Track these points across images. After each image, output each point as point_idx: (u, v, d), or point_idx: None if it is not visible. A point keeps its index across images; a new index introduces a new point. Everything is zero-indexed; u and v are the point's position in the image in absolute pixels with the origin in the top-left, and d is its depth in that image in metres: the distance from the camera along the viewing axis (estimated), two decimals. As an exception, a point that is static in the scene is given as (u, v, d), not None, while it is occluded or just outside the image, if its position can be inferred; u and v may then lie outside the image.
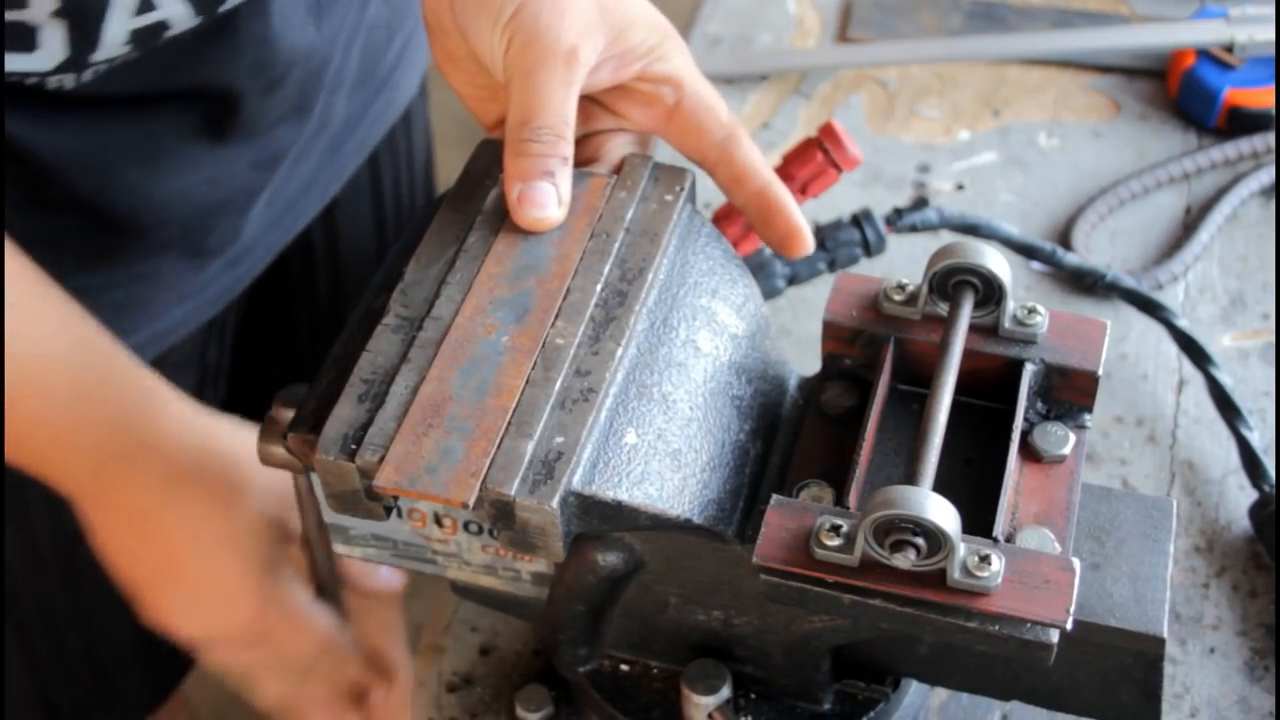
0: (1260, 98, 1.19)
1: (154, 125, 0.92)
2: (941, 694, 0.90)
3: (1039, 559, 0.68)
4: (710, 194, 1.19)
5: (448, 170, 1.31)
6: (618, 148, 0.83)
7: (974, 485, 0.74)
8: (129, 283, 0.97)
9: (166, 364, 1.06)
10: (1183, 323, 1.04)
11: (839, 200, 1.14)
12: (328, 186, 1.10)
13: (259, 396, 0.91)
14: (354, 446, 0.71)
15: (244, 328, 1.20)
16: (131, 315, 0.98)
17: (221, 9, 0.90)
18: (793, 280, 1.08)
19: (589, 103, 0.81)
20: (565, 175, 0.75)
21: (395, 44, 1.11)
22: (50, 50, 0.83)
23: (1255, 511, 0.97)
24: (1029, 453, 0.75)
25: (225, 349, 1.16)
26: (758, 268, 1.06)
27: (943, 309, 0.78)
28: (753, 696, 0.82)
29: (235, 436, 0.88)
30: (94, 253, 0.94)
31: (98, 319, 0.95)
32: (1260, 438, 1.00)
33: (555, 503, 0.69)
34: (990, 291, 0.76)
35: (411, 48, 1.14)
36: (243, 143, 0.96)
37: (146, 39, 0.87)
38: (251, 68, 0.93)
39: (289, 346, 1.23)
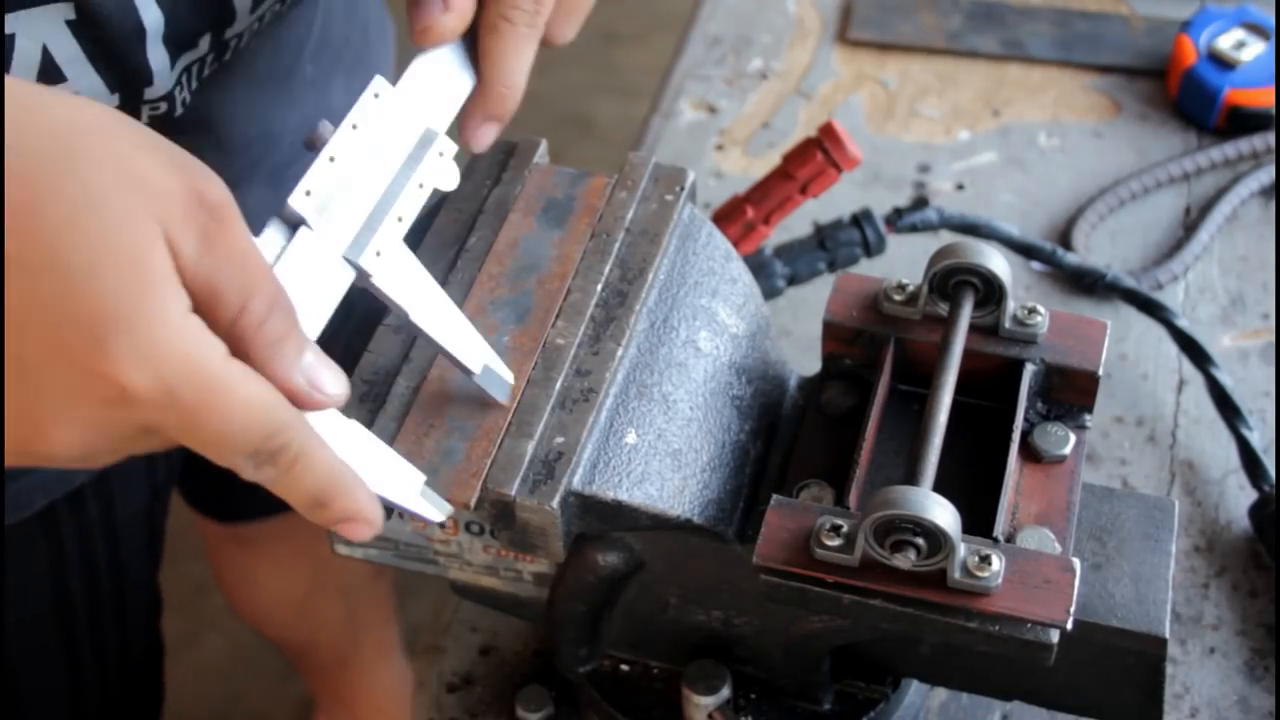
0: (1260, 98, 1.19)
1: None
2: (941, 694, 0.90)
3: (1039, 559, 0.68)
4: (710, 194, 1.19)
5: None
6: None
7: (974, 485, 0.74)
8: None
9: (109, 483, 1.05)
10: (1183, 323, 1.04)
11: (839, 200, 1.14)
12: None
13: (237, 488, 0.87)
14: (354, 447, 0.71)
15: None
16: None
17: (149, 96, 0.82)
18: (793, 280, 1.07)
19: None
20: None
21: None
22: None
23: (1255, 511, 0.97)
24: (1029, 453, 0.75)
25: (173, 460, 1.14)
26: (758, 268, 1.05)
27: (943, 309, 0.78)
28: (753, 696, 0.82)
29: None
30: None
31: None
32: (1260, 438, 1.00)
33: (555, 503, 0.69)
34: (990, 291, 0.76)
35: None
36: None
37: None
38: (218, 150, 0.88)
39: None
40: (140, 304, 0.54)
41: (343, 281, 0.65)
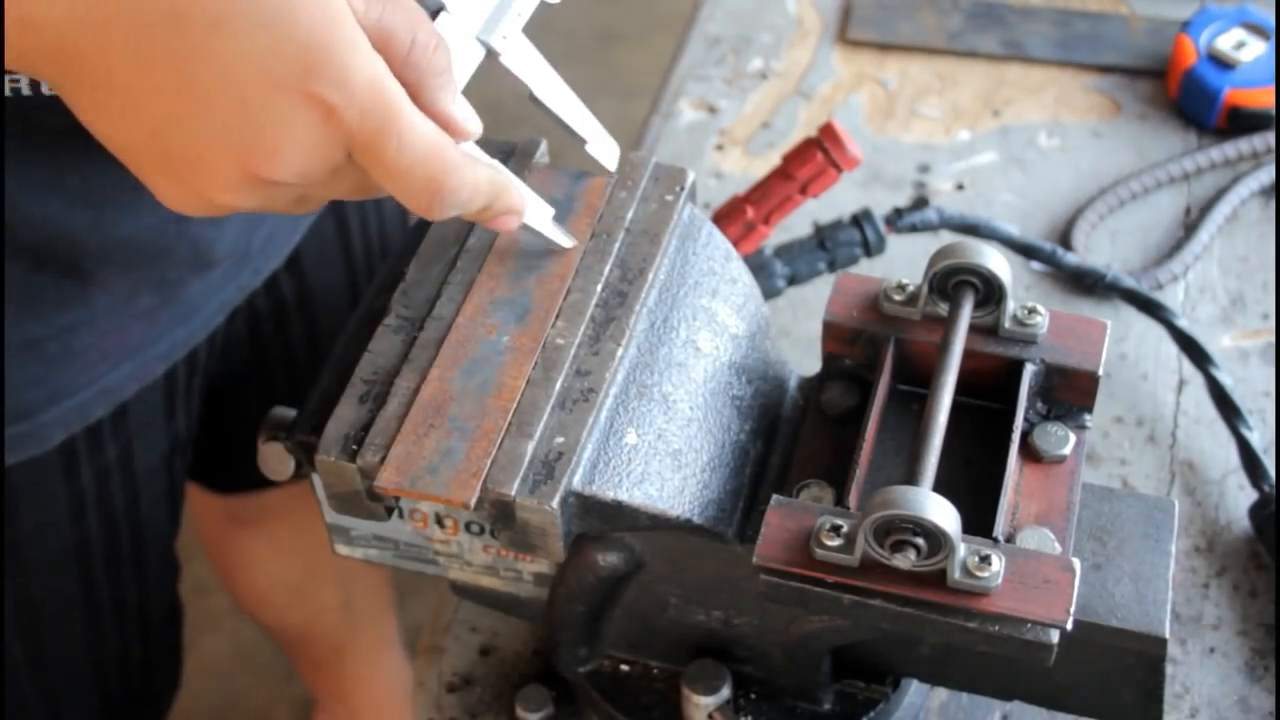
0: (1260, 98, 1.19)
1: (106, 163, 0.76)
2: (941, 694, 0.90)
3: (1039, 559, 0.68)
4: (710, 194, 1.19)
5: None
6: None
7: (974, 485, 0.74)
8: (66, 333, 0.93)
9: (128, 425, 1.04)
10: (1183, 323, 1.04)
11: (839, 200, 1.14)
12: (282, 243, 1.06)
13: (239, 457, 0.86)
14: (355, 447, 0.71)
15: (220, 387, 1.18)
16: (71, 367, 0.95)
17: None
18: (793, 280, 1.07)
19: None
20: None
21: None
22: None
23: (1255, 511, 0.97)
24: (1029, 453, 0.75)
25: (193, 413, 1.14)
26: (758, 268, 1.05)
27: (943, 309, 0.78)
28: (753, 696, 0.82)
29: None
30: (29, 296, 0.91)
31: (34, 372, 0.92)
32: (1260, 438, 1.00)
33: (555, 503, 0.69)
34: (990, 291, 0.76)
35: None
36: None
37: None
38: None
39: (268, 402, 1.19)
40: (333, 40, 0.64)
41: (475, 59, 0.73)
